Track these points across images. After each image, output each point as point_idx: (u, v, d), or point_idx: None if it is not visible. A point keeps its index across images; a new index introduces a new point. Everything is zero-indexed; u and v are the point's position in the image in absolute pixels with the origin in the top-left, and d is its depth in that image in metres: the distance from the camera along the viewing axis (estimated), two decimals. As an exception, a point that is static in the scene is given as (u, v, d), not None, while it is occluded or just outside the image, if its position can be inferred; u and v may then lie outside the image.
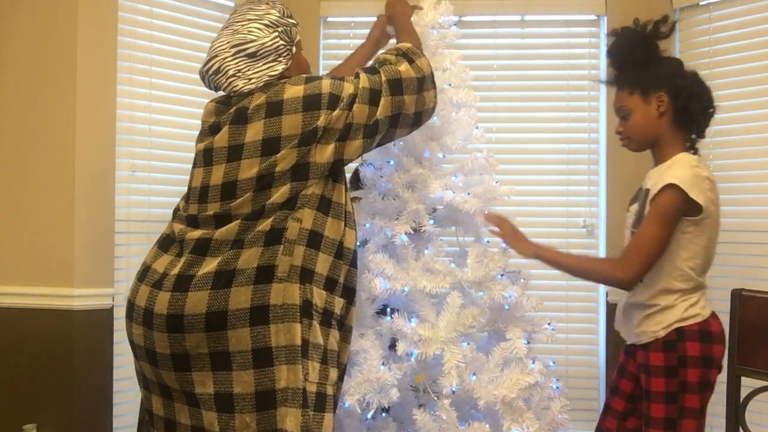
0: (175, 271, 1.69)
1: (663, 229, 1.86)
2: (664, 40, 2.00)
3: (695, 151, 2.01)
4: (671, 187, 1.85)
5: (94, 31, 2.51)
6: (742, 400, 1.95)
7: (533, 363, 2.03)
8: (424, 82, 1.91)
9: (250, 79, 1.80)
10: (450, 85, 2.22)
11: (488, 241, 2.20)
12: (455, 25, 2.31)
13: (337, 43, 3.16)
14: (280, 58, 1.83)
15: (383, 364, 1.99)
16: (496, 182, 2.21)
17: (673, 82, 1.96)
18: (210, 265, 1.66)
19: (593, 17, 3.07)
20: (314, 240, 1.71)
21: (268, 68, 1.81)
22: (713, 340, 1.88)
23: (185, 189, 1.91)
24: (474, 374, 2.00)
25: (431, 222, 2.13)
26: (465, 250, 2.16)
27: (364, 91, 1.79)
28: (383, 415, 2.13)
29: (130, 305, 1.77)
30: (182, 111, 2.77)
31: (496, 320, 2.11)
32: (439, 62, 2.22)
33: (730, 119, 2.72)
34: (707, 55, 2.79)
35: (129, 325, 1.77)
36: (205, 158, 1.81)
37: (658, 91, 1.96)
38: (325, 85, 1.76)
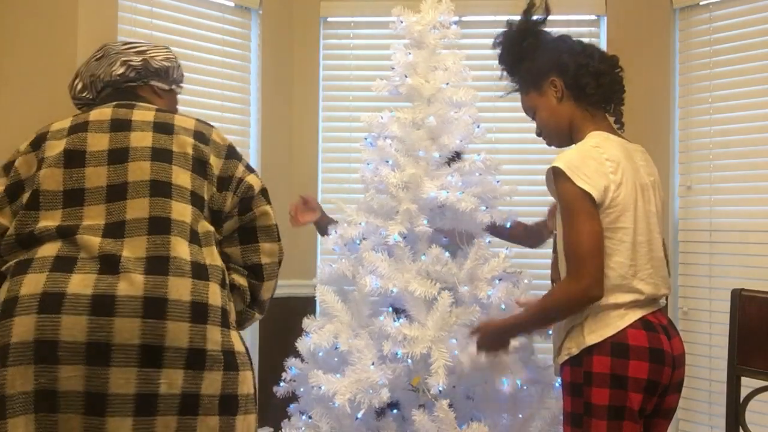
0: None
1: (582, 221, 1.62)
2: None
3: (621, 126, 1.83)
4: (558, 173, 1.66)
5: (94, 31, 2.50)
6: (742, 400, 1.94)
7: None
8: None
9: None
10: (448, 84, 2.22)
11: (489, 242, 2.20)
12: (455, 24, 2.31)
13: (337, 43, 3.16)
14: None
15: (372, 364, 1.99)
16: (497, 182, 2.21)
17: (557, 61, 1.80)
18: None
19: (593, 17, 3.07)
20: None
21: None
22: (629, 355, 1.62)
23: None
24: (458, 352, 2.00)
25: (425, 221, 2.12)
26: (464, 251, 2.16)
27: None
28: (382, 415, 2.14)
29: None
30: (182, 111, 2.76)
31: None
32: (439, 62, 2.22)
33: (730, 119, 2.72)
34: (707, 55, 2.79)
35: None
36: None
37: (548, 77, 1.81)
38: None
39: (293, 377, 2.23)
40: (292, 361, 2.25)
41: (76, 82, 1.70)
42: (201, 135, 1.54)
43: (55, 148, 1.47)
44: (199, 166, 1.49)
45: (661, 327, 1.69)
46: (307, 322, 2.20)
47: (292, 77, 3.12)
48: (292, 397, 2.28)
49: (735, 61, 2.71)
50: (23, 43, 2.49)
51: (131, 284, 1.33)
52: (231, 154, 1.56)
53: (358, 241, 2.16)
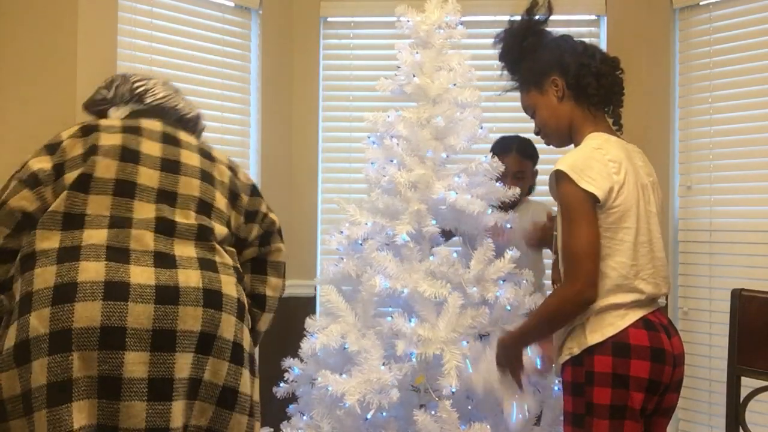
0: None
1: (580, 224, 1.63)
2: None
3: (619, 128, 1.84)
4: (562, 176, 1.66)
5: (94, 30, 2.50)
6: (742, 400, 1.95)
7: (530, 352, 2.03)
8: None
9: None
10: (455, 84, 2.22)
11: (491, 242, 2.20)
12: (461, 24, 2.31)
13: (337, 43, 3.16)
14: None
15: (383, 364, 1.99)
16: (500, 183, 2.21)
17: (559, 60, 1.81)
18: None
19: (593, 17, 3.07)
20: None
21: None
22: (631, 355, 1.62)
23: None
24: (470, 367, 1.99)
25: (433, 222, 2.12)
26: (469, 252, 2.17)
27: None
28: (382, 414, 2.13)
29: None
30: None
31: (497, 321, 2.12)
32: (444, 62, 2.22)
33: (730, 119, 2.73)
34: (707, 55, 2.79)
35: None
36: None
37: (550, 76, 1.81)
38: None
39: (295, 378, 2.23)
40: (290, 362, 2.24)
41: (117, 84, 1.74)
42: (233, 170, 1.67)
43: (109, 139, 1.52)
44: (232, 197, 1.61)
45: (661, 326, 1.69)
46: (309, 322, 2.20)
47: (292, 77, 3.12)
48: (292, 398, 2.28)
49: (735, 61, 2.71)
50: (23, 43, 2.49)
51: (189, 277, 1.41)
52: (254, 192, 1.70)
53: (360, 241, 2.16)
